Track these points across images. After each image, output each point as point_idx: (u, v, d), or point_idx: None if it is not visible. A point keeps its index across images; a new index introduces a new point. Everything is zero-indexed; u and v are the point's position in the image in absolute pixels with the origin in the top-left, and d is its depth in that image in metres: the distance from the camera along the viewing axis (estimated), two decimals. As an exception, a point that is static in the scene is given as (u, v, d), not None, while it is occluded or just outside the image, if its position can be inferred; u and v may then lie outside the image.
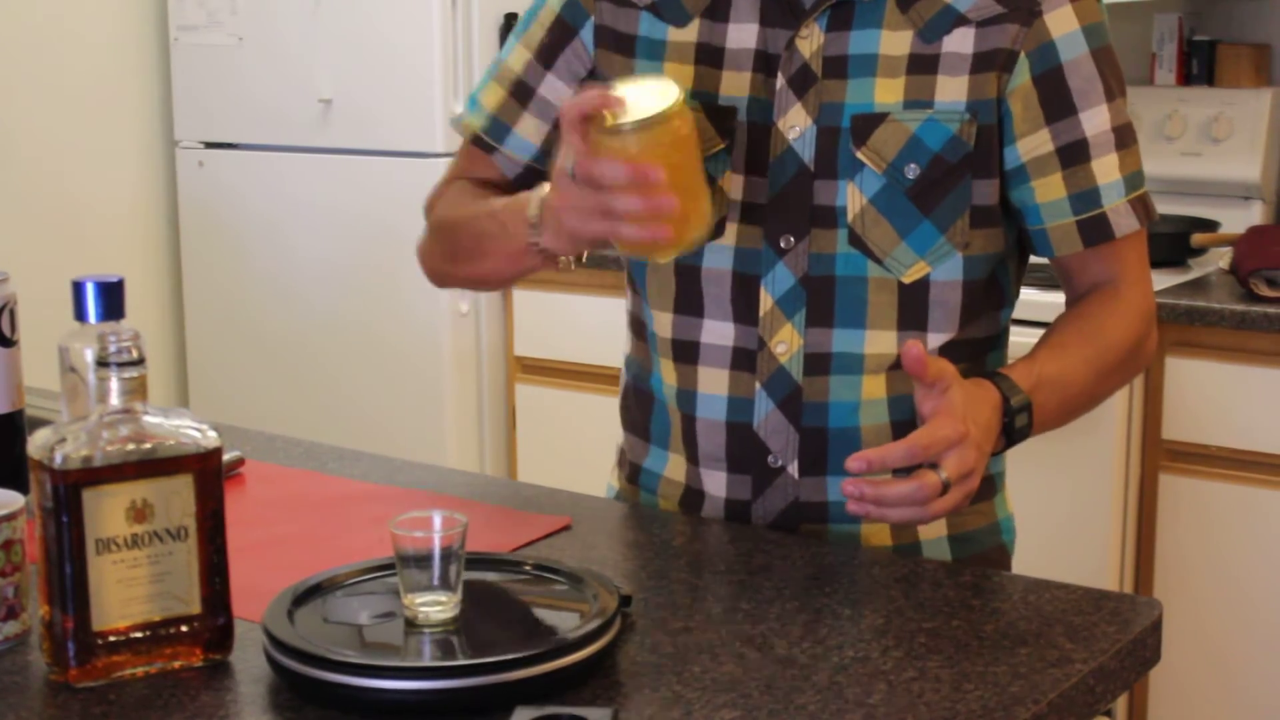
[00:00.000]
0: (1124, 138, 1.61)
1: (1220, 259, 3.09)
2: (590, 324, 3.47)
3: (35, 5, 3.75)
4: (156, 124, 4.04)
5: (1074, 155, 1.59)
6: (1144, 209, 1.62)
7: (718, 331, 1.63)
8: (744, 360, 1.62)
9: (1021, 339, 1.74)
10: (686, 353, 1.65)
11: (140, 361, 1.24)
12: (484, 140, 1.74)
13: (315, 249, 3.78)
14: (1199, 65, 3.42)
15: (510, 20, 3.62)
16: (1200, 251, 3.14)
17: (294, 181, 3.79)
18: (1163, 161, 3.32)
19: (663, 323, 1.67)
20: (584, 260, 1.57)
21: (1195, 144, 3.33)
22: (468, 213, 1.68)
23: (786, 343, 1.60)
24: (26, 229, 3.75)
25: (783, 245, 1.59)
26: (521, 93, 1.71)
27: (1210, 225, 3.21)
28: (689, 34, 1.62)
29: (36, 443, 1.24)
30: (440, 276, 1.77)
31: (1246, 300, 2.83)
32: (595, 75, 1.68)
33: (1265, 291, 2.83)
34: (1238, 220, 3.27)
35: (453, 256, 1.70)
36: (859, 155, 1.56)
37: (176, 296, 4.09)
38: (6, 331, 1.63)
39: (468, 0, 3.56)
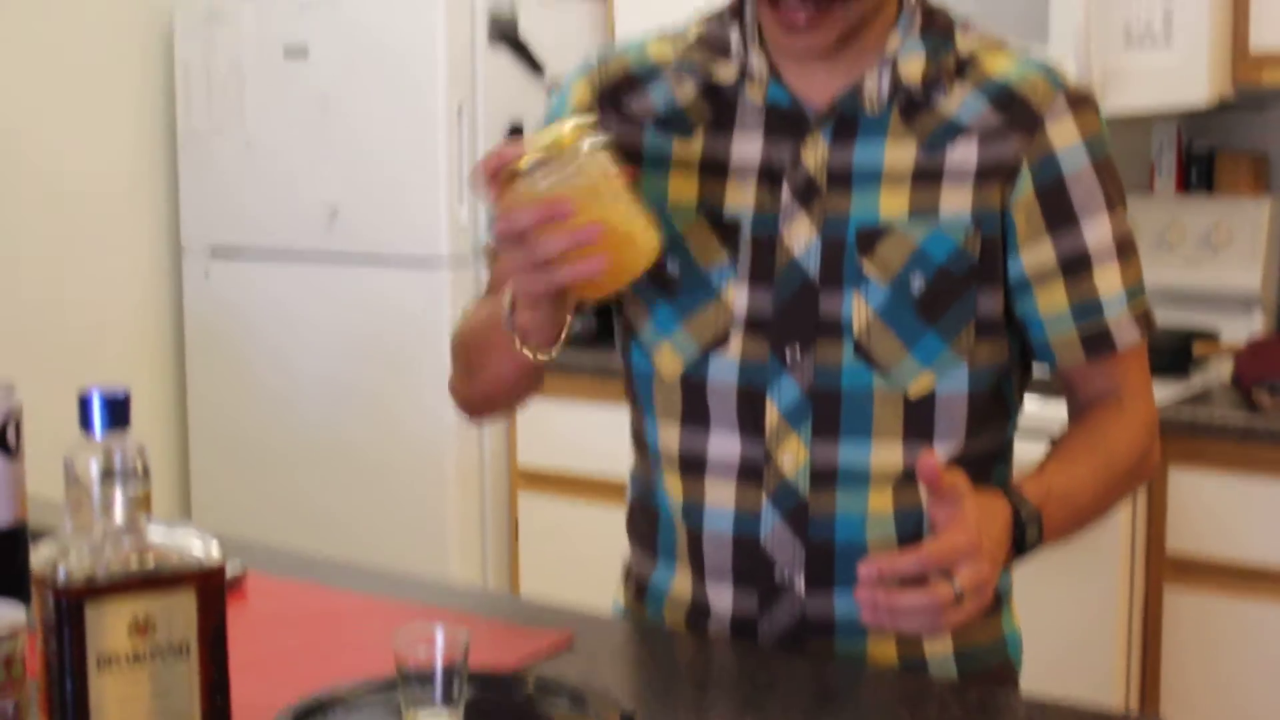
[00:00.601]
0: (1125, 249, 1.62)
1: (1222, 369, 3.10)
2: (593, 434, 3.47)
3: (44, 109, 3.79)
4: (163, 229, 4.06)
5: (1076, 267, 1.60)
6: (1146, 321, 1.63)
7: (724, 445, 1.63)
8: (750, 473, 1.62)
9: (1024, 450, 1.74)
10: (693, 466, 1.65)
11: (145, 475, 1.24)
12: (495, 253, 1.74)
13: (319, 357, 3.79)
14: (1198, 174, 3.44)
15: (515, 130, 3.65)
16: (1202, 362, 3.15)
17: (299, 288, 3.80)
18: (1163, 270, 3.33)
19: (668, 436, 1.66)
20: (563, 342, 1.56)
21: (1195, 253, 3.35)
22: (473, 325, 1.69)
23: (793, 455, 1.60)
24: (32, 337, 3.75)
25: (788, 358, 1.59)
26: None
27: (1211, 335, 3.21)
28: (694, 147, 1.64)
29: (40, 557, 1.24)
30: (465, 401, 1.76)
31: (1249, 412, 2.82)
32: None
33: (1268, 403, 2.83)
34: (1238, 329, 3.28)
35: (467, 373, 1.70)
36: (864, 267, 1.57)
37: (180, 404, 4.09)
38: (11, 442, 1.63)
39: (473, 110, 3.60)
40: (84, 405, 1.45)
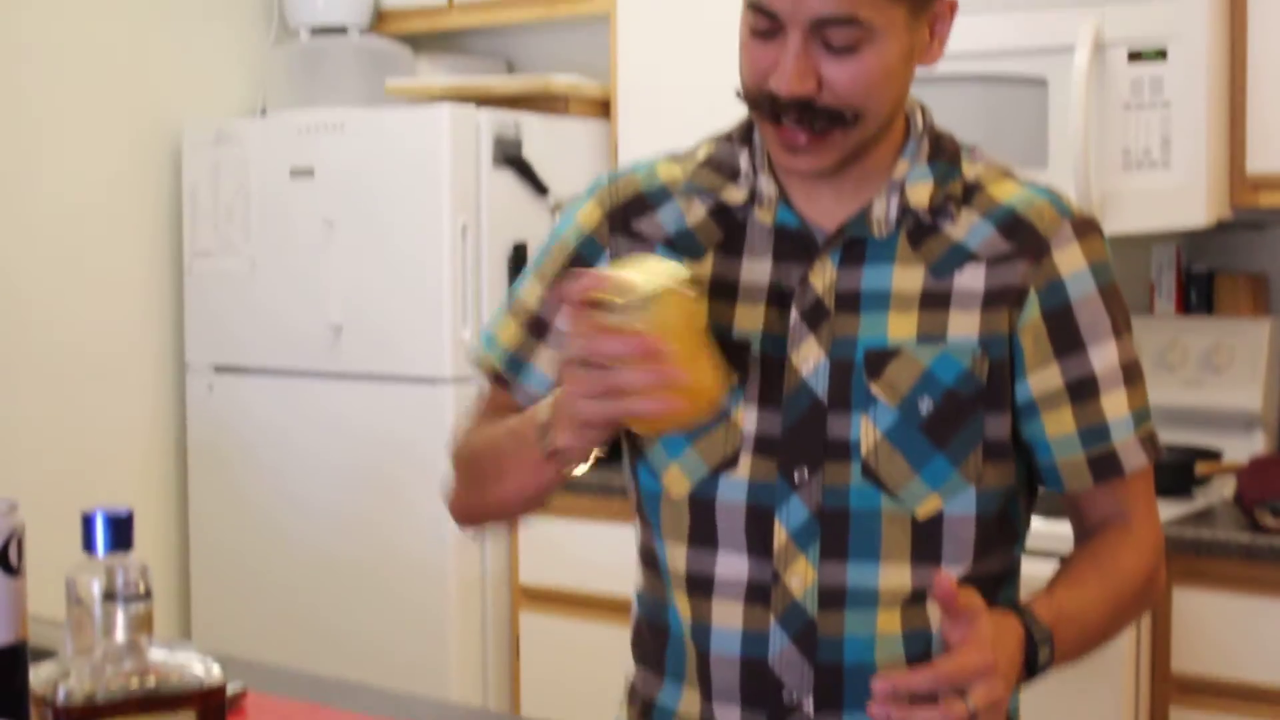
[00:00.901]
0: (1132, 374, 1.64)
1: (1224, 489, 3.10)
2: (595, 552, 3.46)
3: (52, 228, 3.82)
4: (168, 347, 4.08)
5: (1083, 391, 1.61)
6: (1152, 445, 1.64)
7: (732, 565, 1.62)
8: (758, 594, 1.61)
9: (1028, 569, 1.74)
10: (700, 586, 1.64)
11: (147, 595, 1.24)
12: (503, 376, 1.74)
13: (321, 474, 3.79)
14: (1197, 295, 3.46)
15: (519, 250, 3.68)
16: (1204, 481, 3.15)
17: (303, 405, 3.81)
18: (1164, 390, 3.34)
19: (676, 556, 1.66)
20: (594, 461, 1.56)
21: (1196, 373, 3.36)
22: (487, 437, 1.68)
23: (801, 576, 1.59)
24: (34, 454, 3.76)
25: (797, 478, 1.60)
26: (537, 327, 1.72)
27: (1213, 454, 3.22)
28: (703, 269, 1.65)
29: (40, 677, 1.23)
30: (466, 512, 1.76)
31: (1252, 531, 2.82)
32: None
33: (1270, 523, 2.83)
34: (1240, 449, 3.28)
35: (477, 484, 1.69)
36: (872, 389, 1.58)
37: (181, 520, 4.09)
38: (13, 561, 1.63)
39: (477, 229, 3.63)
40: (87, 525, 1.45)
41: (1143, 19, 3.06)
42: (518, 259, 3.68)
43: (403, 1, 4.23)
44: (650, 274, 1.45)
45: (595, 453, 1.55)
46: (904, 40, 1.56)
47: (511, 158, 3.70)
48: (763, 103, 1.56)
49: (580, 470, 1.56)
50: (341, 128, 3.73)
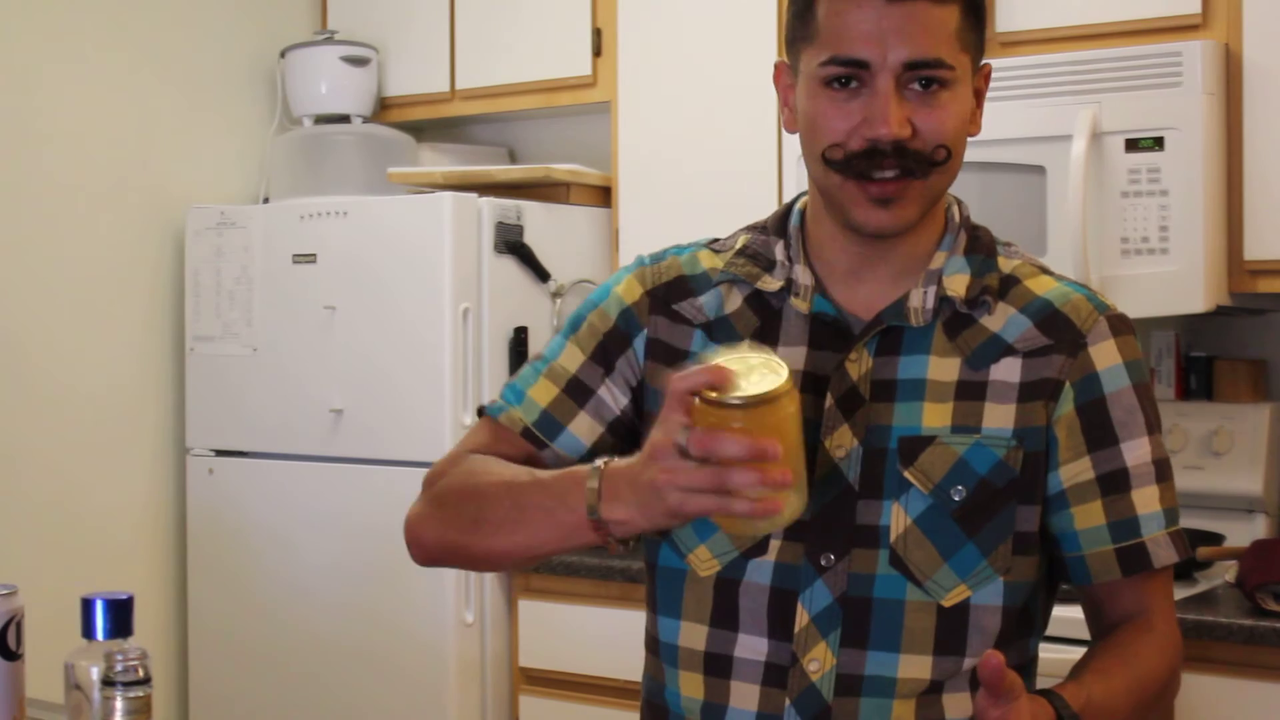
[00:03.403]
0: (1163, 472, 1.65)
1: (1226, 573, 3.09)
2: (595, 635, 3.45)
3: (53, 311, 3.83)
4: (169, 431, 4.08)
5: (1114, 484, 1.62)
6: (1181, 544, 1.65)
7: (751, 646, 1.62)
8: (775, 676, 1.61)
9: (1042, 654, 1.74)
10: (718, 667, 1.64)
11: (146, 681, 1.24)
12: (534, 435, 1.72)
13: (322, 557, 3.78)
14: (1197, 380, 3.47)
15: (520, 335, 3.69)
16: (1206, 565, 3.15)
17: (303, 490, 3.81)
18: (1165, 475, 3.34)
19: (694, 636, 1.66)
20: (633, 545, 1.56)
21: (1196, 457, 3.36)
22: (501, 481, 1.65)
23: (819, 661, 1.59)
24: (34, 537, 3.75)
25: (823, 563, 1.60)
26: (578, 392, 1.72)
27: (1214, 538, 3.21)
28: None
29: (38, 764, 1.23)
30: (445, 549, 1.72)
31: (1254, 615, 2.81)
32: (643, 387, 1.70)
33: (1272, 606, 2.82)
34: (1241, 533, 3.28)
35: (476, 526, 1.66)
36: (906, 475, 1.58)
37: (181, 604, 4.07)
38: (12, 645, 1.63)
39: (478, 315, 3.64)
40: (87, 610, 1.46)
41: (1139, 108, 3.09)
42: (519, 344, 3.70)
43: (405, 90, 4.27)
44: (760, 373, 1.45)
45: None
46: (969, 97, 1.61)
47: (513, 244, 3.72)
48: (852, 159, 1.58)
49: (630, 545, 1.55)
50: (344, 214, 3.75)
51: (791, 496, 1.45)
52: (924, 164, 1.57)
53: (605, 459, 1.54)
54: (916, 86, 1.56)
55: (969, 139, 1.65)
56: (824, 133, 1.60)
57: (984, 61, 1.66)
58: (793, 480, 1.43)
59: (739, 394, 1.42)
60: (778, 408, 1.43)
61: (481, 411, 1.79)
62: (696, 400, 1.43)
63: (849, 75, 1.57)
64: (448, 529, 1.71)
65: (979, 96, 1.66)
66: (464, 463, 1.73)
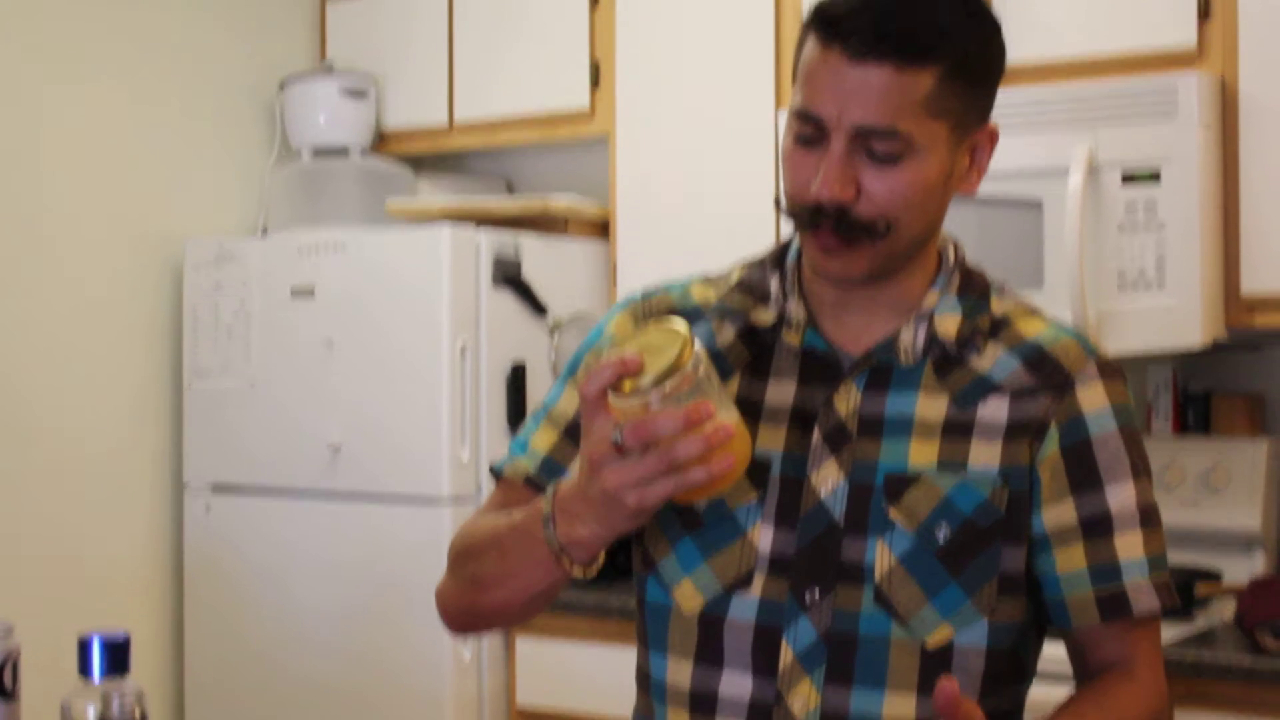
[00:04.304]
0: (1149, 518, 1.63)
1: (1225, 610, 3.09)
2: (592, 673, 3.44)
3: (51, 346, 3.83)
4: (166, 467, 4.07)
5: (1097, 528, 1.60)
6: (1166, 593, 1.62)
7: (736, 683, 1.61)
8: (760, 714, 1.60)
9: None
10: (704, 704, 1.63)
11: (142, 722, 1.23)
12: (536, 480, 1.72)
13: (319, 594, 3.77)
14: (1194, 415, 3.46)
15: (518, 370, 3.69)
16: (1204, 602, 3.14)
17: (300, 526, 3.81)
18: (1162, 511, 3.32)
19: (680, 672, 1.65)
20: (602, 561, 1.56)
21: (1194, 494, 3.36)
22: (487, 534, 1.66)
23: (804, 699, 1.58)
24: (31, 573, 3.74)
25: (807, 600, 1.59)
26: (578, 434, 1.72)
27: (1213, 575, 3.21)
28: (730, 389, 1.65)
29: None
30: (463, 614, 1.72)
31: (1253, 653, 2.81)
32: None
33: (1271, 644, 2.81)
34: (1240, 569, 3.27)
35: (475, 585, 1.66)
36: (890, 513, 1.58)
37: (177, 641, 4.06)
38: (7, 684, 1.63)
39: (477, 348, 3.64)
40: (83, 650, 1.45)
41: (1135, 142, 3.10)
42: (516, 378, 3.70)
43: (404, 122, 4.28)
44: (653, 337, 1.46)
45: (602, 552, 1.54)
46: (945, 160, 1.58)
47: (511, 278, 3.72)
48: (802, 211, 1.58)
49: (593, 570, 1.55)
50: (342, 247, 3.75)
51: (737, 443, 1.45)
52: (864, 233, 1.56)
53: (556, 484, 1.55)
54: (874, 150, 1.54)
55: (966, 193, 1.65)
56: (786, 179, 1.61)
57: (988, 122, 1.65)
58: (734, 429, 1.44)
59: (649, 374, 1.43)
60: (691, 368, 1.43)
61: (493, 471, 1.78)
62: (611, 397, 1.44)
63: (812, 134, 1.57)
64: (460, 594, 1.71)
65: (976, 155, 1.65)
66: (470, 525, 1.73)
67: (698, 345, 1.46)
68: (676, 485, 1.43)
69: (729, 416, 1.46)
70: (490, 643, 3.61)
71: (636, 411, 1.43)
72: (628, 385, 1.43)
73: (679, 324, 1.47)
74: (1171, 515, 3.34)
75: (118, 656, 1.45)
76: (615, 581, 3.56)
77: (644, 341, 1.47)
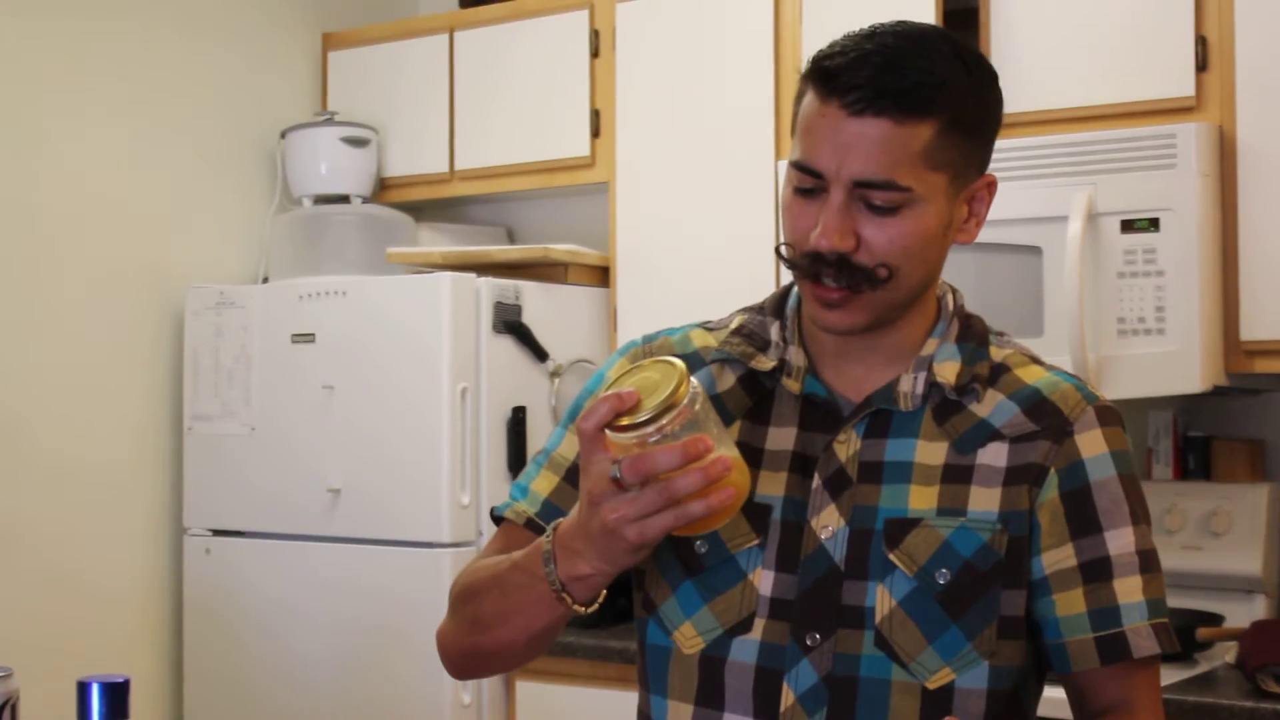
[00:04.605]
0: (1148, 563, 1.63)
1: (1226, 653, 3.08)
2: (592, 717, 3.43)
3: (51, 390, 3.83)
4: (166, 511, 4.07)
5: (1096, 572, 1.61)
6: (1166, 636, 1.62)
7: None
8: None
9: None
10: None
11: (142, 766, 1.23)
12: (537, 525, 1.72)
13: (319, 638, 3.77)
14: (1195, 460, 3.47)
15: (518, 415, 3.70)
16: (1206, 646, 3.13)
17: (300, 569, 3.80)
18: (1163, 555, 3.28)
19: (680, 715, 1.65)
20: (602, 599, 1.56)
21: (1195, 538, 3.35)
22: (488, 574, 1.65)
23: None
24: (31, 617, 3.74)
25: (809, 643, 1.60)
26: (577, 478, 1.72)
27: (1214, 619, 3.20)
28: (730, 433, 1.66)
29: None
30: (465, 656, 1.72)
31: (1255, 697, 2.80)
32: None
33: (1273, 688, 2.81)
34: (1241, 614, 3.27)
35: (476, 625, 1.66)
36: (891, 557, 1.58)
37: (176, 684, 4.05)
38: (7, 729, 1.63)
39: (476, 394, 3.65)
40: (82, 694, 1.45)
41: (1135, 189, 3.11)
42: (517, 424, 3.70)
43: (404, 170, 4.29)
44: (649, 374, 1.47)
45: (603, 590, 1.54)
46: (944, 211, 1.59)
47: (511, 324, 3.73)
48: (802, 261, 1.59)
49: (594, 607, 1.55)
50: (343, 294, 3.76)
51: (736, 476, 1.46)
52: (864, 280, 1.57)
53: (557, 522, 1.55)
54: (872, 201, 1.56)
55: (965, 243, 1.66)
56: (786, 229, 1.63)
57: (986, 172, 1.66)
58: (732, 462, 1.44)
59: (646, 409, 1.43)
60: (688, 403, 1.44)
61: (493, 514, 1.78)
62: (609, 433, 1.45)
63: (811, 185, 1.58)
64: (461, 635, 1.71)
65: (975, 205, 1.66)
66: (470, 569, 1.73)
67: (694, 381, 1.47)
68: (676, 519, 1.43)
69: (727, 450, 1.47)
70: (490, 686, 3.60)
71: (634, 447, 1.44)
72: (625, 421, 1.44)
73: (675, 360, 1.48)
74: (1173, 560, 3.34)
75: (117, 700, 1.45)
76: (615, 625, 3.56)
77: (641, 378, 1.48)
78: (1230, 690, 2.87)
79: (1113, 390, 3.08)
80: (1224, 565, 3.32)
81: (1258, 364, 3.11)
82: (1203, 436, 3.47)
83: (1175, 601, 3.28)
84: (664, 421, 1.43)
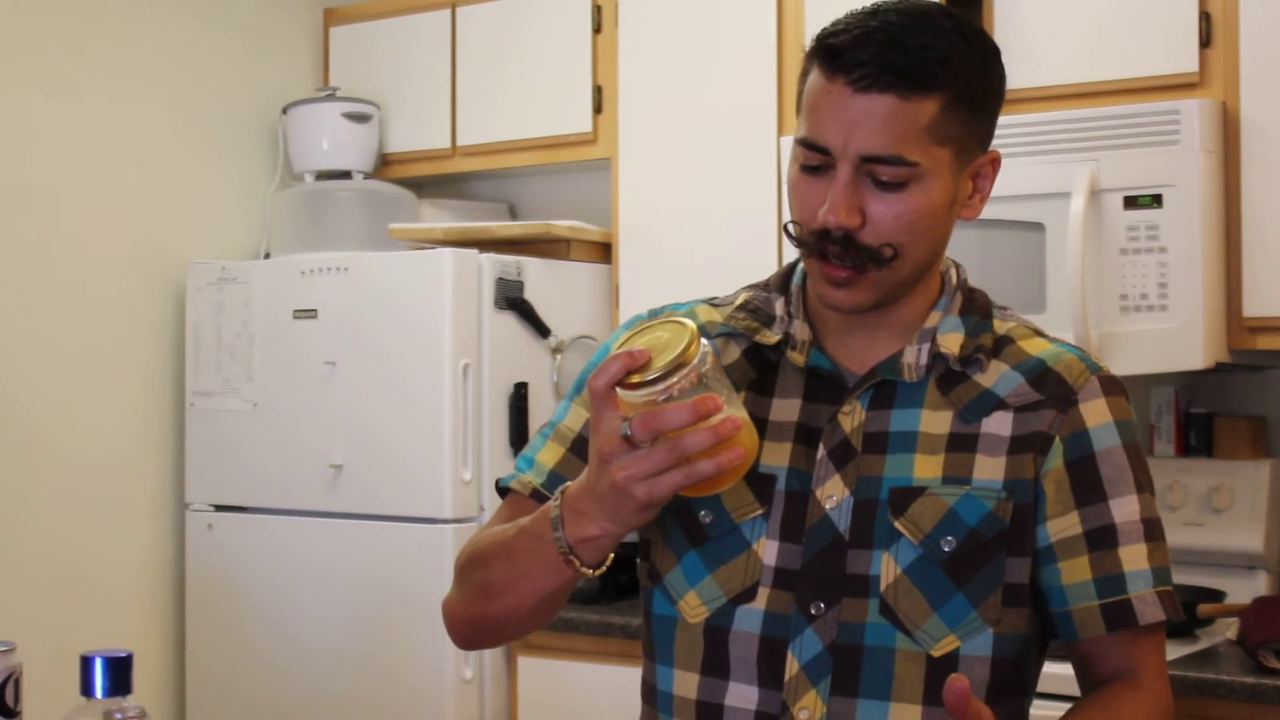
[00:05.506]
0: (1153, 531, 1.64)
1: (1227, 629, 3.08)
2: (594, 692, 3.44)
3: (53, 366, 3.83)
4: (168, 487, 4.08)
5: (1101, 540, 1.61)
6: (1170, 604, 1.63)
7: (741, 695, 1.62)
8: None
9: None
10: (709, 715, 1.64)
11: (145, 740, 1.24)
12: (543, 495, 1.71)
13: (321, 614, 3.77)
14: (1197, 437, 3.47)
15: (520, 390, 3.70)
16: (1207, 622, 3.14)
17: (302, 545, 3.81)
18: (1166, 532, 3.33)
19: (686, 684, 1.66)
20: (607, 565, 1.56)
21: (1197, 514, 3.36)
22: (495, 541, 1.65)
23: (809, 710, 1.59)
24: (33, 593, 3.75)
25: (813, 611, 1.60)
26: (583, 449, 1.71)
27: (1216, 595, 3.21)
28: (739, 397, 1.66)
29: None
30: (470, 624, 1.71)
31: (1256, 673, 2.81)
32: None
33: (1274, 663, 2.81)
34: (1243, 590, 3.27)
35: (484, 592, 1.66)
36: (897, 525, 1.59)
37: (179, 659, 4.06)
38: (10, 703, 1.63)
39: (478, 370, 3.65)
40: (86, 668, 1.46)
41: (1137, 166, 3.11)
42: (519, 399, 3.70)
43: (406, 146, 4.29)
44: (659, 333, 1.47)
45: (611, 552, 1.54)
46: (948, 186, 1.60)
47: (513, 300, 3.73)
48: (809, 238, 1.60)
49: (602, 569, 1.55)
50: (345, 270, 3.76)
51: (745, 437, 1.46)
52: (870, 259, 1.58)
53: (564, 485, 1.55)
54: (879, 177, 1.56)
55: (969, 218, 1.66)
56: (793, 206, 1.63)
57: (990, 148, 1.66)
58: (741, 422, 1.44)
59: (657, 367, 1.43)
60: (698, 362, 1.44)
61: (499, 486, 1.78)
62: (620, 391, 1.45)
63: (818, 162, 1.59)
64: (467, 604, 1.71)
65: (979, 180, 1.66)
66: (474, 537, 1.73)
67: (704, 341, 1.47)
68: (685, 477, 1.43)
69: (737, 411, 1.47)
70: (492, 662, 3.61)
71: (644, 405, 1.44)
72: (636, 378, 1.44)
73: (686, 320, 1.48)
74: (1175, 536, 3.34)
75: (120, 675, 1.45)
76: (617, 601, 3.56)
77: (652, 337, 1.48)
78: (1231, 666, 2.88)
79: (1115, 367, 3.07)
80: (1226, 542, 3.33)
81: (1260, 340, 3.11)
82: (1205, 413, 3.47)
83: (1177, 578, 3.27)
84: (674, 379, 1.43)
